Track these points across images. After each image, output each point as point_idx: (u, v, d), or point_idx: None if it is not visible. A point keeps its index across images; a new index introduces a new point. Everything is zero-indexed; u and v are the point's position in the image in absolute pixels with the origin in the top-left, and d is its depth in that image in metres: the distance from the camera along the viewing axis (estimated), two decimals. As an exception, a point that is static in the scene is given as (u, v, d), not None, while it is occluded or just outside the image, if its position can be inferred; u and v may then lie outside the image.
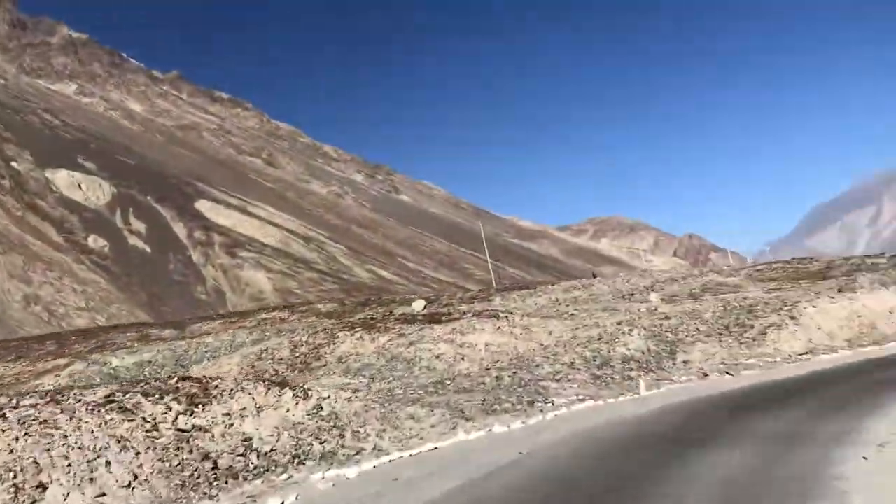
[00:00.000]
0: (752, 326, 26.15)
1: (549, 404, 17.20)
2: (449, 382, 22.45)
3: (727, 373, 20.72)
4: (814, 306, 26.64)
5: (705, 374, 21.02)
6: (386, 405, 16.66)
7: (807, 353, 23.42)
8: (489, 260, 76.75)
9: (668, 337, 25.79)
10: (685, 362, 23.16)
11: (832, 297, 27.47)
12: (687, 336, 25.79)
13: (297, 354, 29.86)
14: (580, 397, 18.06)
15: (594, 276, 52.85)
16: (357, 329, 31.66)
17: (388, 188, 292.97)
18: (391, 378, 24.13)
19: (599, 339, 26.31)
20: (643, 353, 24.33)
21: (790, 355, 23.17)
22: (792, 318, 25.97)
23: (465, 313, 33.25)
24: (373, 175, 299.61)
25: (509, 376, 22.42)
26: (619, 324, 28.21)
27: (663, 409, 15.50)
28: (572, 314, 34.00)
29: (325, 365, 27.94)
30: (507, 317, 31.08)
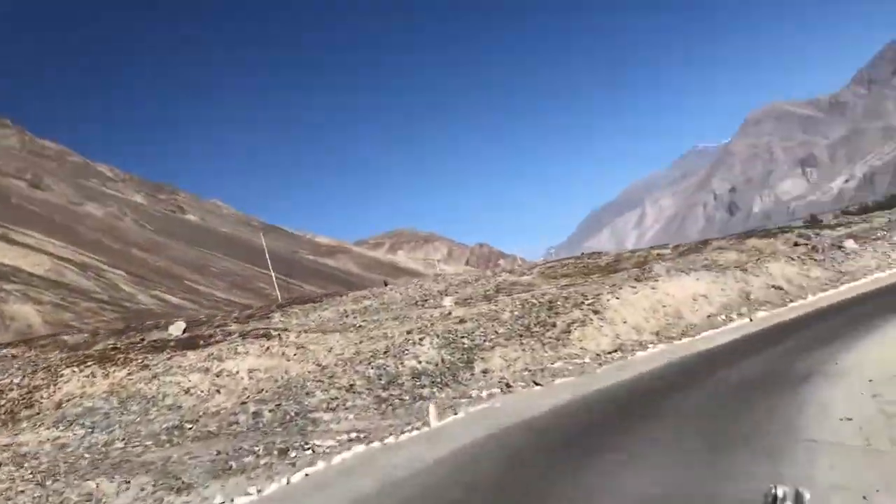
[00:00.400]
0: (554, 325, 23.22)
1: (309, 451, 12.64)
2: (190, 426, 17.25)
3: (535, 382, 17.25)
4: (616, 298, 24.27)
5: (509, 386, 17.50)
6: (55, 479, 11.25)
7: (615, 350, 20.74)
8: (273, 274, 70.62)
9: (464, 343, 22.20)
10: (485, 372, 19.67)
11: (634, 287, 25.33)
12: (485, 341, 22.34)
13: (2, 402, 23.03)
14: (353, 436, 13.66)
15: (386, 284, 49.00)
16: (90, 363, 25.24)
17: (172, 208, 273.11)
18: (118, 425, 18.46)
19: (386, 352, 22.19)
20: (436, 364, 20.57)
21: (598, 354, 20.36)
22: (595, 311, 23.37)
23: (230, 334, 27.88)
24: (154, 195, 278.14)
25: (271, 410, 17.66)
26: (409, 333, 24.28)
27: (461, 451, 11.17)
28: (359, 326, 29.72)
29: (37, 413, 21.51)
30: (279, 335, 26.16)
